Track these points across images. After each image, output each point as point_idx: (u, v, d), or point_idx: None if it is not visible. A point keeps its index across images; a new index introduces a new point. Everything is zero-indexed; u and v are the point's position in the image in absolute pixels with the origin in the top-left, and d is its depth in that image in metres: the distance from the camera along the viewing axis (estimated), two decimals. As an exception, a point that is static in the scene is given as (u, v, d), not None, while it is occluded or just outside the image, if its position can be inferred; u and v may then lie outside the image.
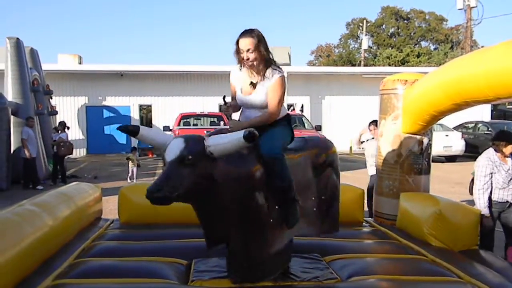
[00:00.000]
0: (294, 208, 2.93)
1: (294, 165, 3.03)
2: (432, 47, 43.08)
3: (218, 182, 2.59)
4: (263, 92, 2.98)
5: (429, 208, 4.08)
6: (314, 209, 3.24)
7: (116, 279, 2.96)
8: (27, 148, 10.34)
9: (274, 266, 3.03)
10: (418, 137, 4.77)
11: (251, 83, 3.01)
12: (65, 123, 12.19)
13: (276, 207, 2.89)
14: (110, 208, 7.08)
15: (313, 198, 3.23)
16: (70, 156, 12.74)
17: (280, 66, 3.09)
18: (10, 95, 11.53)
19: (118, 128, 2.74)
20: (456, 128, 17.60)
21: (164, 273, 3.08)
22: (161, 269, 3.14)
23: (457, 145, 15.95)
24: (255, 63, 2.94)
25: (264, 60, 2.96)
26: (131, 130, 2.71)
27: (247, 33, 2.91)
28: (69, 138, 12.20)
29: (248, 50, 2.89)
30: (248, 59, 2.91)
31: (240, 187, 2.69)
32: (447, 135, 15.86)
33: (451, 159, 16.17)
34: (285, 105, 3.21)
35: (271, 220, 2.86)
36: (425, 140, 4.82)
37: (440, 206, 4.06)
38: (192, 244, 3.68)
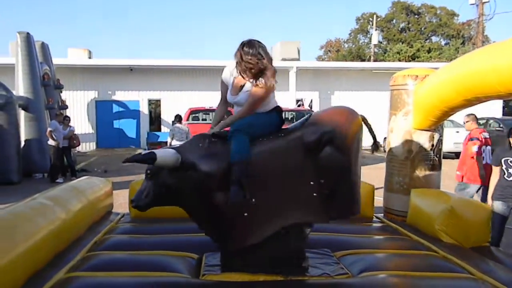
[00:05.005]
0: (237, 187, 2.82)
1: (273, 149, 2.96)
2: (443, 42, 42.62)
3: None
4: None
5: (440, 204, 4.06)
6: (314, 194, 2.95)
7: (127, 272, 2.98)
8: (52, 137, 10.53)
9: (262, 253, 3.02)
10: (429, 133, 4.74)
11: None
12: (69, 117, 12.46)
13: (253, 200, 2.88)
14: (120, 202, 7.13)
15: (311, 183, 2.94)
16: (79, 150, 12.91)
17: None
18: (21, 89, 11.62)
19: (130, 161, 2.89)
20: (466, 124, 17.45)
21: (175, 267, 3.10)
22: (172, 263, 3.16)
23: (467, 141, 15.83)
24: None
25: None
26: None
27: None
28: (80, 132, 12.39)
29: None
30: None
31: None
32: (457, 132, 15.72)
33: (461, 155, 16.05)
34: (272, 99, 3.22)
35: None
36: (436, 136, 4.79)
37: (451, 202, 4.04)
38: (203, 238, 3.66)
